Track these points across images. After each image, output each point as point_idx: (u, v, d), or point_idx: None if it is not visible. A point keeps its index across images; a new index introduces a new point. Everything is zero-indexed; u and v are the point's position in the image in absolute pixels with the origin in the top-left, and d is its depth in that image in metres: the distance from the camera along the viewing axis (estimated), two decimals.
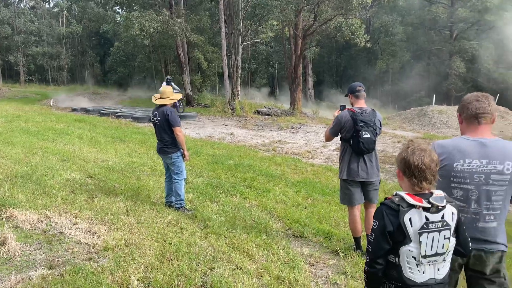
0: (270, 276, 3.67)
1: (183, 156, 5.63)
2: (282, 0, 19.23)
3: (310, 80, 36.52)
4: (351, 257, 4.19)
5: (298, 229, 4.96)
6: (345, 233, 4.83)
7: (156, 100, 5.60)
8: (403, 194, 1.96)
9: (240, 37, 22.46)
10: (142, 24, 20.92)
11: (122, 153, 9.53)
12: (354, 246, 4.37)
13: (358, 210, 4.34)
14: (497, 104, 22.69)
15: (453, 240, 1.99)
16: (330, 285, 3.67)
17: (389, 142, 13.27)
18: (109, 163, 8.27)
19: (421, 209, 1.91)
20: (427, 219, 1.91)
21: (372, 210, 4.23)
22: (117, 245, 4.16)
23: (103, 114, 18.77)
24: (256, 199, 6.22)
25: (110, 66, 46.41)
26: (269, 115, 19.83)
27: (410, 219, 1.91)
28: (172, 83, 17.48)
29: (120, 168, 7.85)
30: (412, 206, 1.91)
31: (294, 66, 23.37)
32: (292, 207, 5.92)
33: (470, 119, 2.37)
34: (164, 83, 17.51)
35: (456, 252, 2.08)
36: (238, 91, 22.47)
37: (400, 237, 1.94)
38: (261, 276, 3.70)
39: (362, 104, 4.26)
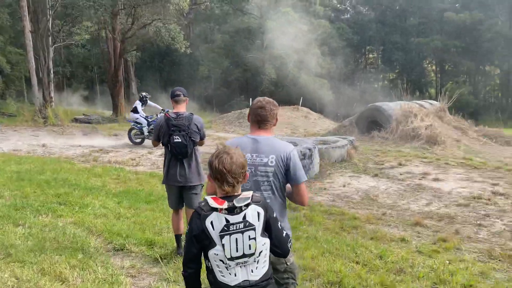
0: None
1: None
2: (94, 1, 18.11)
3: (134, 85, 35.42)
4: (174, 262, 4.22)
5: (119, 241, 4.75)
6: (168, 238, 4.84)
7: None
8: (208, 197, 1.98)
9: (50, 38, 20.30)
10: None
11: None
12: (176, 250, 4.42)
13: (179, 213, 4.42)
14: (301, 105, 26.10)
15: (263, 240, 1.97)
16: None
17: (212, 144, 13.86)
18: None
19: (224, 211, 1.91)
20: (227, 221, 1.91)
21: None
22: None
23: None
24: (72, 216, 5.71)
25: None
26: (89, 122, 18.49)
27: (211, 223, 1.92)
28: None
29: None
30: (214, 209, 1.92)
31: (114, 70, 22.31)
32: (113, 219, 5.64)
33: (253, 123, 2.69)
34: None
35: (274, 252, 2.08)
36: (51, 97, 20.27)
37: (206, 241, 1.95)
38: None
39: (181, 108, 4.31)
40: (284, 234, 2.09)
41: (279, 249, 2.08)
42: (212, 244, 1.93)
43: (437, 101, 16.56)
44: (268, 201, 2.46)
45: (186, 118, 4.21)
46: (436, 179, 8.51)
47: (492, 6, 40.27)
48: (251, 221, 1.93)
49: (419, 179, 8.56)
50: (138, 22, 20.37)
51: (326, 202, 7.02)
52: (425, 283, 3.82)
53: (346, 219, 5.90)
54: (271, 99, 2.71)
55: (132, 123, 13.45)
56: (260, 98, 2.71)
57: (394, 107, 14.40)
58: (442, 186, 7.96)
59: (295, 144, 9.46)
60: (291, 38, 35.96)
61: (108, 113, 22.40)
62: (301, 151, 8.69)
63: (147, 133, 12.93)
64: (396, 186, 8.14)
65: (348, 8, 47.02)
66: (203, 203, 1.98)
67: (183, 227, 4.43)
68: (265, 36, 35.61)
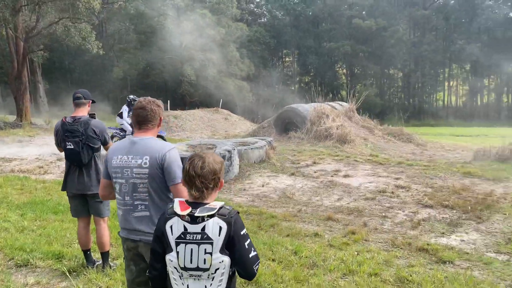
0: None
1: None
2: None
3: (41, 87, 32.92)
4: (84, 274, 4.00)
5: (22, 256, 4.38)
6: (78, 250, 4.57)
7: None
8: (177, 200, 1.92)
9: None
10: None
11: None
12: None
13: (84, 222, 4.17)
14: (222, 107, 26.25)
15: (221, 258, 1.83)
16: None
17: None
18: None
19: (187, 217, 1.83)
20: (185, 228, 1.83)
21: (101, 223, 4.08)
22: None
23: None
24: None
25: None
26: None
27: (171, 227, 1.85)
28: None
29: None
30: (176, 213, 1.86)
31: (17, 71, 20.51)
32: (15, 233, 5.19)
33: (135, 124, 2.62)
34: None
35: (240, 274, 1.92)
36: None
37: (165, 244, 1.89)
38: None
39: (80, 112, 4.04)
40: (251, 255, 1.88)
41: (242, 270, 1.89)
42: (169, 249, 1.87)
43: (347, 102, 17.64)
44: (146, 203, 2.46)
45: (83, 123, 3.93)
46: (346, 176, 9.06)
47: (393, 15, 43.92)
48: (209, 235, 1.81)
49: (331, 176, 9.05)
50: (44, 20, 18.95)
51: (246, 203, 7.13)
52: (335, 275, 4.05)
53: (264, 218, 6.04)
54: (153, 99, 2.65)
55: (113, 131, 12.07)
56: (141, 98, 2.65)
57: (308, 108, 15.06)
58: (352, 182, 8.50)
59: (214, 147, 9.49)
60: (210, 40, 35.96)
61: (12, 117, 20.52)
62: (220, 153, 8.74)
63: None
64: (311, 183, 8.52)
65: (265, 12, 48.20)
66: (171, 205, 1.93)
67: (92, 241, 4.22)
68: (183, 37, 35.18)
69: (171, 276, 1.90)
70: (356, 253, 4.68)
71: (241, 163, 9.66)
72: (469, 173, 9.00)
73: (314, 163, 10.51)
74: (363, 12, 45.18)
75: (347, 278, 4.03)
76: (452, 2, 43.55)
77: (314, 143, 13.49)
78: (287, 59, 52.16)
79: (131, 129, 11.50)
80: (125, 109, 12.11)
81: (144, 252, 2.48)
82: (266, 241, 4.96)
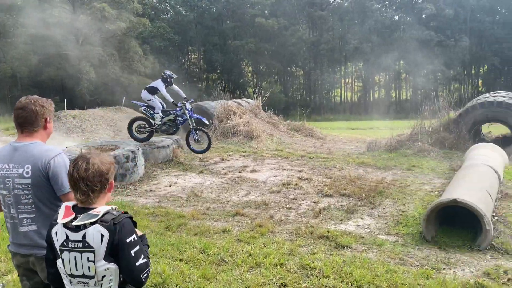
0: None
1: None
2: None
3: None
4: None
5: None
6: None
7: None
8: (63, 205, 1.83)
9: None
10: None
11: None
12: None
13: None
14: (124, 106, 25.09)
15: (106, 265, 1.77)
16: None
17: None
18: None
19: (71, 224, 1.77)
20: (67, 236, 1.76)
21: None
22: None
23: None
24: None
25: None
26: None
27: (56, 233, 1.80)
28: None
29: None
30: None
31: None
32: None
33: (16, 127, 2.36)
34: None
35: (128, 282, 1.86)
36: None
37: (54, 250, 1.83)
38: None
39: None
40: (138, 263, 1.80)
41: (128, 278, 1.82)
42: (57, 255, 1.82)
43: (253, 99, 18.04)
44: (32, 216, 2.27)
45: None
46: (253, 171, 9.28)
47: (294, 15, 45.89)
48: (90, 243, 1.73)
49: (239, 172, 9.20)
50: None
51: (152, 204, 6.93)
52: (243, 269, 4.14)
53: (171, 219, 5.93)
54: (38, 98, 2.37)
55: (142, 107, 10.28)
56: (23, 98, 2.37)
57: (215, 106, 15.11)
58: (259, 177, 8.73)
59: (117, 147, 9.06)
60: (110, 35, 34.14)
61: None
62: (123, 154, 8.37)
63: (159, 124, 10.01)
64: (219, 180, 8.57)
65: (168, 8, 47.10)
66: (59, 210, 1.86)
67: None
68: (80, 32, 32.92)
69: (64, 281, 1.86)
70: (263, 245, 4.83)
71: (147, 164, 9.36)
72: (363, 163, 9.80)
73: (223, 160, 10.58)
74: (266, 11, 46.48)
75: (254, 270, 4.14)
76: (346, 4, 46.81)
77: (222, 140, 13.58)
78: (193, 56, 51.62)
79: (161, 107, 10.10)
80: (159, 83, 10.17)
81: (36, 266, 2.29)
82: (174, 241, 4.88)
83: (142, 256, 1.84)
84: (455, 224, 5.46)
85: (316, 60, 45.32)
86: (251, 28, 45.33)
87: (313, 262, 4.29)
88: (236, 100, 17.08)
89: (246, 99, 18.45)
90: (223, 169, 9.58)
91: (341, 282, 3.84)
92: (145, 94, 10.16)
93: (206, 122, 10.50)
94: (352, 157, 10.74)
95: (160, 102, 10.16)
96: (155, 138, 11.38)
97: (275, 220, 5.94)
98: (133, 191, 7.91)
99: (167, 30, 42.39)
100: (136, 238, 1.83)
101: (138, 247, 1.83)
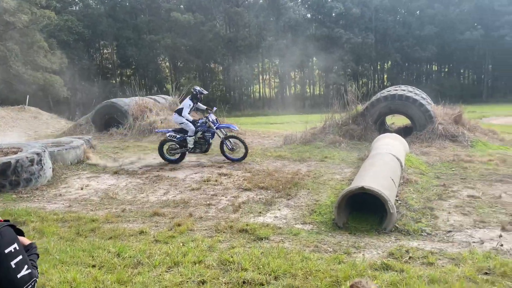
0: None
1: None
2: None
3: None
4: None
5: None
6: None
7: None
8: None
9: None
10: None
11: None
12: None
13: None
14: (29, 105, 23.14)
15: None
16: None
17: None
18: None
19: None
20: None
21: None
22: None
23: None
24: None
25: None
26: None
27: None
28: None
29: None
30: None
31: None
32: None
33: None
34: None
35: None
36: None
37: None
38: None
39: None
40: (20, 274, 1.63)
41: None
42: None
43: (171, 96, 17.65)
44: None
45: None
46: (172, 169, 9.11)
47: (210, 10, 45.64)
48: None
49: (157, 171, 8.97)
50: None
51: (61, 209, 6.48)
52: (161, 270, 4.04)
53: (83, 223, 5.59)
54: None
55: (168, 134, 9.68)
56: None
57: (129, 102, 14.54)
58: (178, 175, 8.59)
59: (20, 150, 8.31)
60: (9, 28, 31.15)
61: None
62: (27, 157, 7.71)
63: (192, 146, 9.52)
64: (136, 180, 8.27)
65: (76, 0, 44.15)
66: None
67: None
68: None
69: None
70: (181, 244, 4.76)
71: (55, 166, 8.72)
72: (280, 157, 10.10)
73: (139, 159, 10.23)
74: (181, 6, 45.62)
75: (172, 270, 4.06)
76: (261, 1, 47.68)
77: (138, 139, 13.13)
78: (105, 51, 49.00)
79: (194, 128, 9.53)
80: (187, 104, 9.67)
81: None
82: (86, 247, 4.61)
83: (26, 267, 1.67)
84: (364, 210, 5.85)
85: (234, 56, 45.59)
86: (166, 22, 44.20)
87: (232, 257, 4.32)
88: (153, 97, 16.58)
89: (163, 96, 17.99)
90: (140, 168, 9.27)
91: (259, 273, 3.92)
92: (176, 118, 9.75)
93: (236, 128, 10.32)
94: (270, 151, 11.01)
95: (192, 121, 9.70)
96: (64, 139, 10.68)
97: (194, 218, 5.88)
98: (40, 196, 7.33)
99: (76, 23, 39.73)
100: (18, 248, 1.66)
101: (20, 257, 1.67)
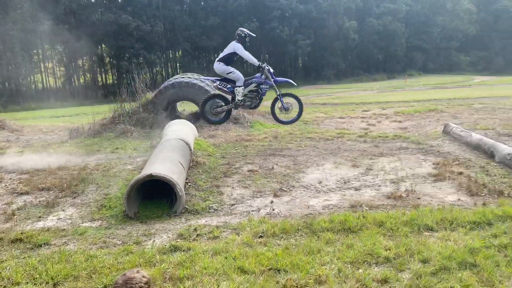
0: None
1: None
2: None
3: None
4: None
5: None
6: None
7: None
8: None
9: None
10: None
11: None
12: None
13: None
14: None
15: None
16: None
17: None
18: None
19: None
20: None
21: None
22: None
23: None
24: None
25: None
26: None
27: None
28: None
29: None
30: None
31: None
32: None
33: None
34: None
35: None
36: None
37: None
38: None
39: None
40: None
41: None
42: None
43: None
44: None
45: None
46: None
47: None
48: None
49: None
50: None
51: None
52: None
53: None
54: None
55: (216, 82, 8.22)
56: None
57: None
58: None
59: None
60: None
61: None
62: None
63: (241, 98, 8.11)
64: None
65: None
66: None
67: None
68: None
69: None
70: None
71: None
72: (65, 152, 9.23)
73: None
74: None
75: None
76: None
77: None
78: None
79: (243, 77, 8.17)
80: (238, 45, 8.03)
81: None
82: None
83: None
84: (158, 197, 5.87)
85: (5, 42, 39.03)
86: None
87: (1, 272, 3.74)
88: None
89: None
90: None
91: (34, 284, 3.51)
92: (221, 67, 8.16)
93: (294, 83, 8.82)
94: (53, 147, 9.93)
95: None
96: None
97: None
98: None
99: None
100: None
101: None
